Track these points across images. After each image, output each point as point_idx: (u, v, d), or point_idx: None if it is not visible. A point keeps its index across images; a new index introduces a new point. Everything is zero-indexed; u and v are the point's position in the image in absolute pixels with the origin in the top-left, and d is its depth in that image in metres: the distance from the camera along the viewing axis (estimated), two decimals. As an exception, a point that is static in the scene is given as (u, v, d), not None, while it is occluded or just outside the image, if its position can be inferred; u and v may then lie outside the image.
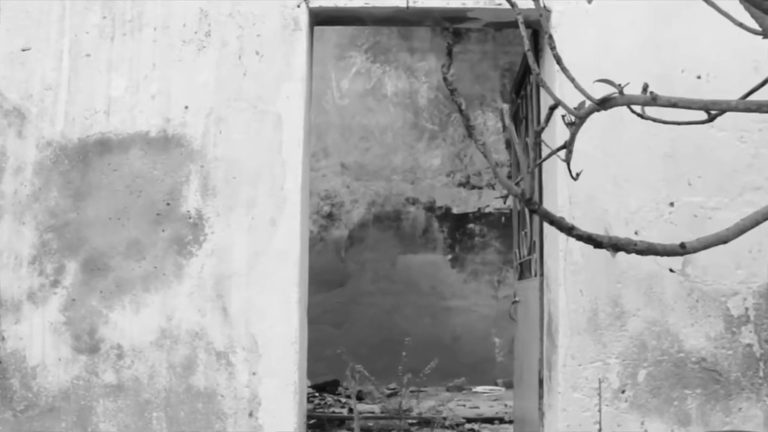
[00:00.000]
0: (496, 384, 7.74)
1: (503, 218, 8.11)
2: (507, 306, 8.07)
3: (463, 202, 8.14)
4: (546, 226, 3.74)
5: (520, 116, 4.57)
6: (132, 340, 3.49)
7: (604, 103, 2.09)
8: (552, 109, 2.22)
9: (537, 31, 3.90)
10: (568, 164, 2.47)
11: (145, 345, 3.49)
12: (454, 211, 8.14)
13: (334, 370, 7.65)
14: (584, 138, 3.55)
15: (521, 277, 4.57)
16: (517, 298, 4.59)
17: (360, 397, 7.21)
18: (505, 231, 8.09)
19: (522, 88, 4.49)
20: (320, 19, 3.87)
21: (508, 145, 8.21)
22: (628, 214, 3.56)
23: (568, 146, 2.37)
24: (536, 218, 3.87)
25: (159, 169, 3.59)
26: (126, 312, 3.51)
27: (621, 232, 3.54)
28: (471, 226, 8.12)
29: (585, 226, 3.55)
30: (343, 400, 7.13)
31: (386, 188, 8.16)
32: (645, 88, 2.39)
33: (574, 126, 2.23)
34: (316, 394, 7.32)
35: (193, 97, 3.63)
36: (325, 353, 7.91)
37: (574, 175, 2.51)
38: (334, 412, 6.34)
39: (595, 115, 3.67)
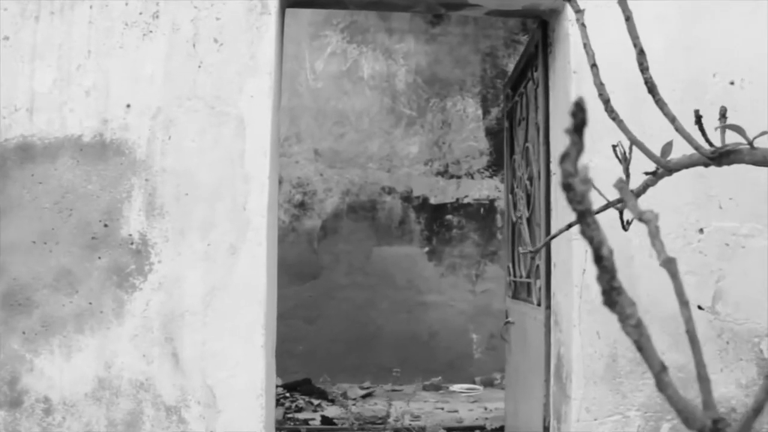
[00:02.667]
0: (473, 382, 7.13)
1: (482, 209, 7.43)
2: (485, 301, 7.46)
3: (441, 192, 7.43)
4: (555, 253, 3.06)
5: (517, 116, 3.86)
6: (62, 391, 2.75)
7: (722, 158, 1.38)
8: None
9: (546, 22, 3.17)
10: (621, 216, 1.77)
11: (79, 398, 2.75)
12: (432, 201, 7.42)
13: (306, 368, 6.98)
14: (603, 152, 2.88)
15: (515, 296, 3.90)
16: (510, 319, 3.93)
17: (331, 399, 6.56)
18: (484, 223, 7.43)
19: (521, 84, 3.77)
20: (293, 0, 3.11)
21: (488, 132, 7.51)
22: (654, 242, 2.89)
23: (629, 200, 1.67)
24: (541, 239, 3.18)
25: (94, 183, 2.82)
26: (55, 357, 2.76)
27: (644, 263, 2.88)
28: (449, 217, 7.42)
29: (604, 257, 2.90)
30: (315, 402, 6.46)
31: (361, 176, 7.41)
32: (723, 113, 1.70)
33: (654, 177, 1.52)
34: (287, 395, 6.64)
35: (137, 93, 2.86)
36: (296, 350, 7.22)
37: (626, 225, 1.81)
38: (307, 422, 5.66)
39: (614, 126, 2.99)
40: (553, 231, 3.09)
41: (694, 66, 2.93)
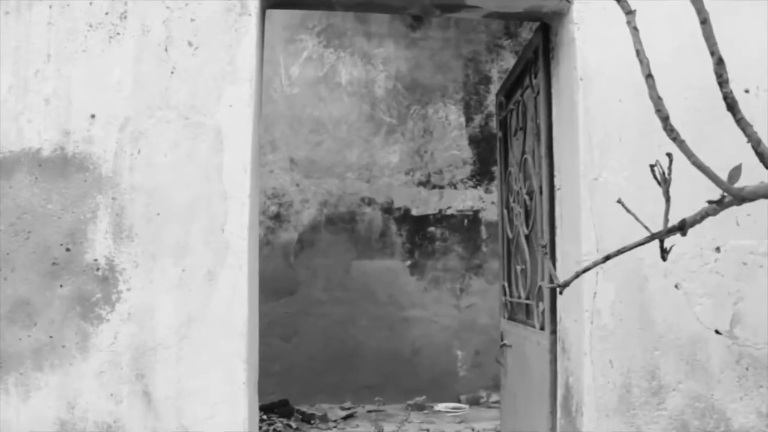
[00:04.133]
0: (459, 400, 6.93)
1: (466, 221, 7.25)
2: (470, 316, 7.28)
3: (424, 203, 7.23)
4: (562, 275, 2.87)
5: (513, 125, 3.68)
6: (18, 435, 2.49)
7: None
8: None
9: (548, 26, 3.00)
10: (661, 245, 1.58)
11: (37, 442, 2.49)
12: (414, 212, 7.23)
13: (284, 388, 6.73)
14: (613, 166, 2.71)
15: (512, 317, 3.71)
16: (506, 342, 3.74)
17: (310, 421, 6.33)
18: (469, 235, 7.25)
19: (516, 91, 3.59)
20: (275, 0, 2.89)
21: (471, 140, 7.34)
22: (668, 263, 2.71)
23: (684, 227, 1.48)
24: (545, 259, 3.00)
25: (55, 202, 2.57)
26: (10, 398, 2.50)
27: (659, 284, 2.71)
28: (432, 229, 7.23)
29: (616, 279, 2.72)
30: (294, 425, 6.22)
31: (339, 187, 7.19)
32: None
33: (718, 206, 1.33)
34: (264, 417, 6.37)
35: (103, 102, 2.61)
36: (273, 369, 6.95)
37: (665, 254, 1.62)
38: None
39: (625, 136, 2.80)
40: (558, 250, 2.90)
41: (707, 72, 2.73)
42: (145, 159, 2.59)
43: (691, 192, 2.73)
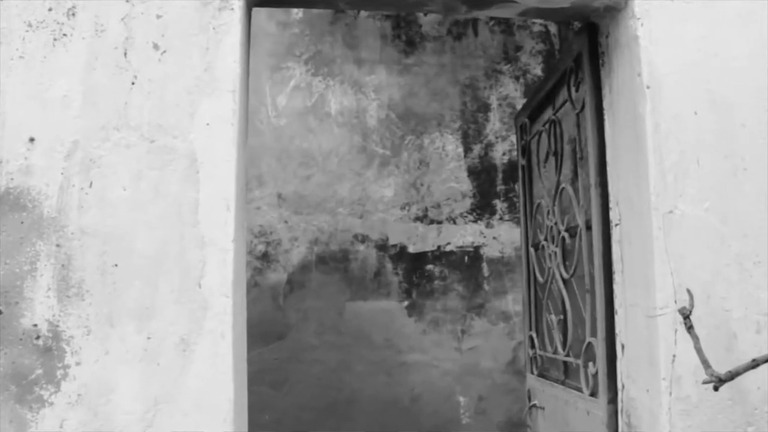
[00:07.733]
0: (462, 452, 6.27)
1: (467, 258, 6.64)
2: (472, 359, 6.63)
3: (421, 240, 6.62)
4: (624, 331, 2.27)
5: (541, 151, 3.10)
6: None
7: None
8: None
9: (594, 26, 2.44)
10: None
11: None
12: (410, 249, 6.60)
13: (273, 442, 6.04)
14: (691, 194, 2.12)
15: (543, 374, 3.09)
16: (536, 402, 3.11)
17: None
18: (469, 273, 6.63)
19: (545, 110, 3.03)
20: (262, -1, 2.32)
21: (471, 172, 6.78)
22: (761, 315, 2.12)
23: None
24: (600, 309, 2.39)
25: (-19, 251, 1.94)
26: None
27: (750, 342, 2.11)
28: (430, 267, 6.61)
29: (699, 337, 2.12)
30: (284, 486, 5.51)
31: (331, 223, 6.57)
32: None
33: None
34: (251, 477, 5.66)
35: (44, 122, 2.00)
36: (262, 420, 6.28)
37: None
38: None
39: (703, 158, 2.23)
40: (618, 301, 2.30)
41: (796, 77, 2.20)
42: (98, 194, 1.98)
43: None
